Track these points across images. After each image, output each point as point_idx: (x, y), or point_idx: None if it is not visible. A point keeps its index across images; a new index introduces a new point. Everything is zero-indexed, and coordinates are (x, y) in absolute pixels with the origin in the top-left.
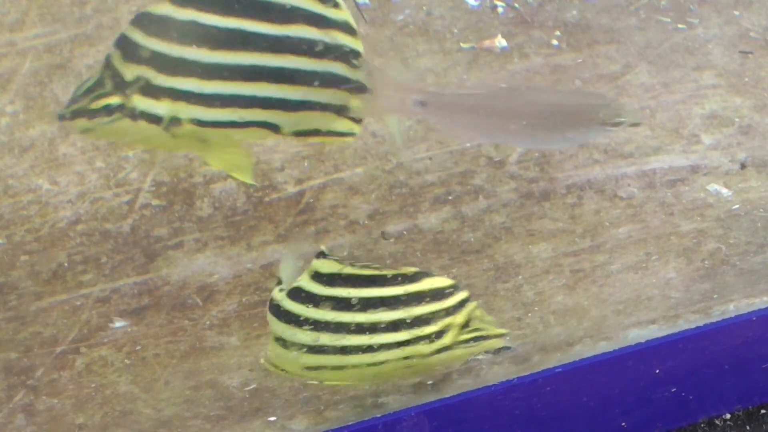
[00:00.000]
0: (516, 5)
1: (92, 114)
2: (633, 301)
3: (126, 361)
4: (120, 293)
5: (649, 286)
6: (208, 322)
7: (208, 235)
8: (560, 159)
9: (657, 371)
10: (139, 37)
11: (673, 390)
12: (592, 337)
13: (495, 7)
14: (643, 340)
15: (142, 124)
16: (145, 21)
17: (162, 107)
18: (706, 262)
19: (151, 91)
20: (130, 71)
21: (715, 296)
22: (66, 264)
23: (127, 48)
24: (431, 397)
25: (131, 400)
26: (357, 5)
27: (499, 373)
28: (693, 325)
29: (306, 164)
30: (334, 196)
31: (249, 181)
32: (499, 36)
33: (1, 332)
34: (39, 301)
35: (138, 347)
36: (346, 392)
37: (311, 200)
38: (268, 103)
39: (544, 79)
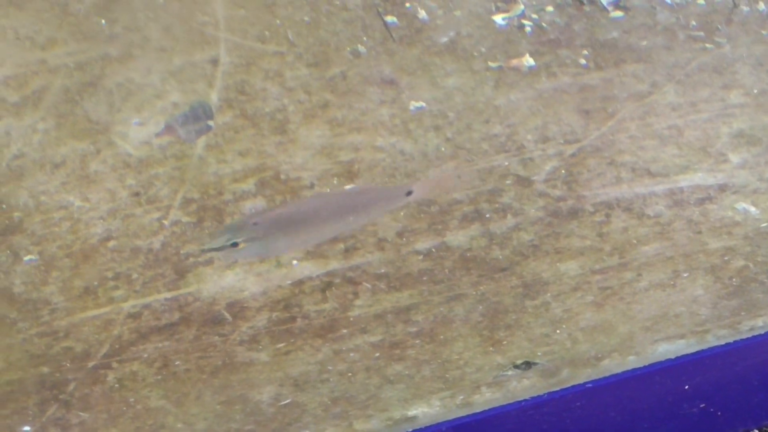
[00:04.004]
0: (544, 24)
1: None
2: (661, 318)
3: (157, 376)
4: (151, 309)
5: (678, 303)
6: (238, 338)
7: None
8: (588, 177)
9: (686, 387)
10: None
11: (701, 405)
12: (621, 353)
13: (523, 26)
14: (671, 356)
15: None
16: None
17: None
18: (734, 279)
19: None
20: None
21: (743, 313)
22: (97, 280)
23: None
24: (461, 413)
25: (163, 414)
26: (385, 24)
27: (528, 389)
28: (722, 341)
29: (335, 182)
30: None
31: None
32: (527, 55)
33: (33, 347)
34: (71, 317)
35: (169, 362)
36: (375, 405)
37: None
38: None
39: (572, 97)
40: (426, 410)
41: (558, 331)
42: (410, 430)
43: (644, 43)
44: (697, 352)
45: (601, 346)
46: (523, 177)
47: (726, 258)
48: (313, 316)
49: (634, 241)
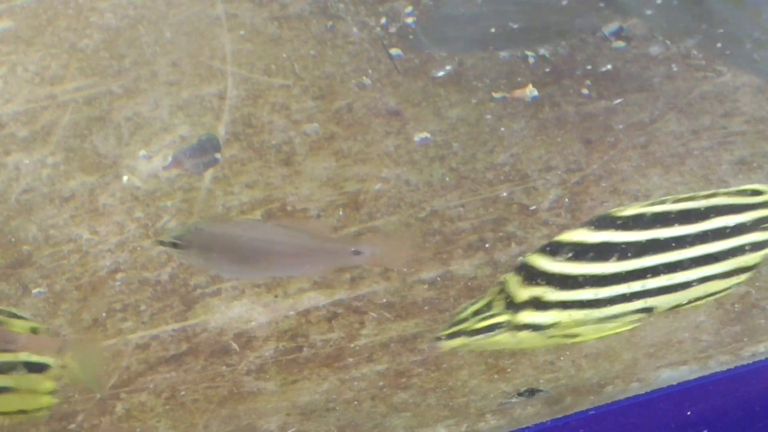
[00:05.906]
0: (547, 55)
1: (473, 333)
2: (664, 345)
3: (165, 406)
4: (159, 340)
5: (680, 330)
6: (245, 368)
7: (245, 282)
8: (591, 206)
9: (688, 413)
10: (543, 262)
11: (704, 431)
12: (624, 380)
13: (526, 57)
14: (674, 383)
15: (524, 333)
16: (553, 246)
17: (548, 316)
18: (736, 305)
19: (542, 305)
20: (526, 293)
21: (745, 338)
22: (106, 312)
23: (528, 272)
24: None
25: None
26: (390, 57)
27: (532, 416)
28: (724, 367)
29: (341, 212)
30: None
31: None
32: (530, 85)
33: None
34: None
35: (177, 393)
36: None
37: None
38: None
39: (575, 127)
40: None
41: (562, 359)
42: None
43: (646, 72)
44: (700, 378)
45: (605, 373)
46: (526, 206)
47: None
48: (319, 346)
49: None
